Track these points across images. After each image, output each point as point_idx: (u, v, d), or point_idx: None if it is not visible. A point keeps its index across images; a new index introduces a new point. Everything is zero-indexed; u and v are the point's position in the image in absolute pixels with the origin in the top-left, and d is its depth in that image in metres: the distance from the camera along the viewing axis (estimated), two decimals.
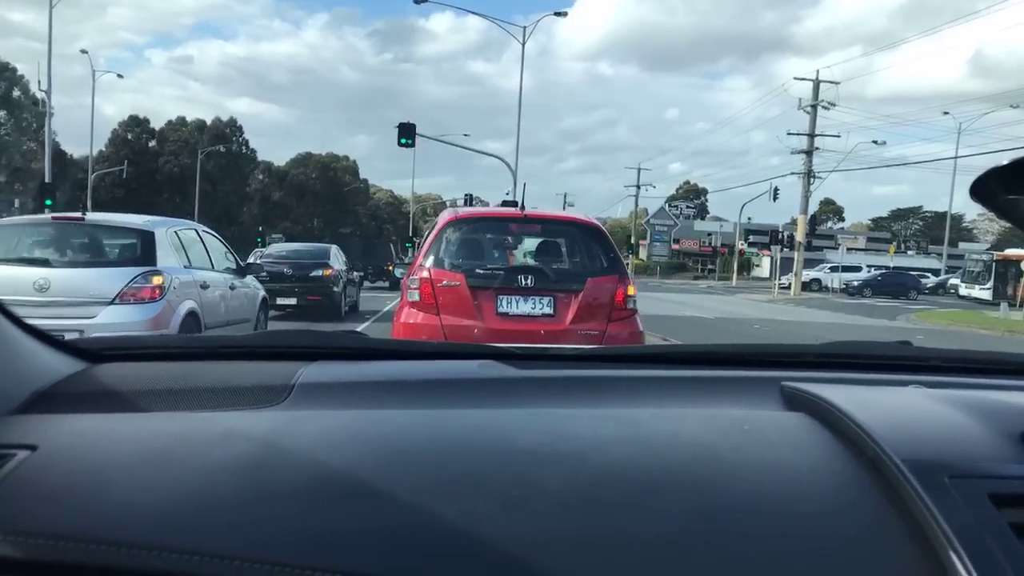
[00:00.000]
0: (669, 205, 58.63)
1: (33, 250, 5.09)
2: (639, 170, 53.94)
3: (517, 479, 0.61)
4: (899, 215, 66.27)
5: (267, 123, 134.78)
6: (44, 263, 4.93)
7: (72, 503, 0.60)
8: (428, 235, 4.47)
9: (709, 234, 52.41)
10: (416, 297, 3.95)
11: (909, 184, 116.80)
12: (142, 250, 5.12)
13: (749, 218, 45.10)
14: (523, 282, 4.01)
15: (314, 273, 11.22)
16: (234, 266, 6.56)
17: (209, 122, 64.48)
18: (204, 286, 5.58)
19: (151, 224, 5.45)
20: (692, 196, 64.38)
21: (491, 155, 24.56)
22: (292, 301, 10.79)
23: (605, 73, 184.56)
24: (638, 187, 53.67)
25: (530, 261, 4.62)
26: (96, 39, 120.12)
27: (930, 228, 61.24)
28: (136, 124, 60.87)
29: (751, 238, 46.64)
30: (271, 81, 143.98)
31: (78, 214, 5.35)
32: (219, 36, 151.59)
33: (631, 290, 4.10)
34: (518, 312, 3.98)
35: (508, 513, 0.57)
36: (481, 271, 4.12)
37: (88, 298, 4.78)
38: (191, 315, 5.24)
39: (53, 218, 5.60)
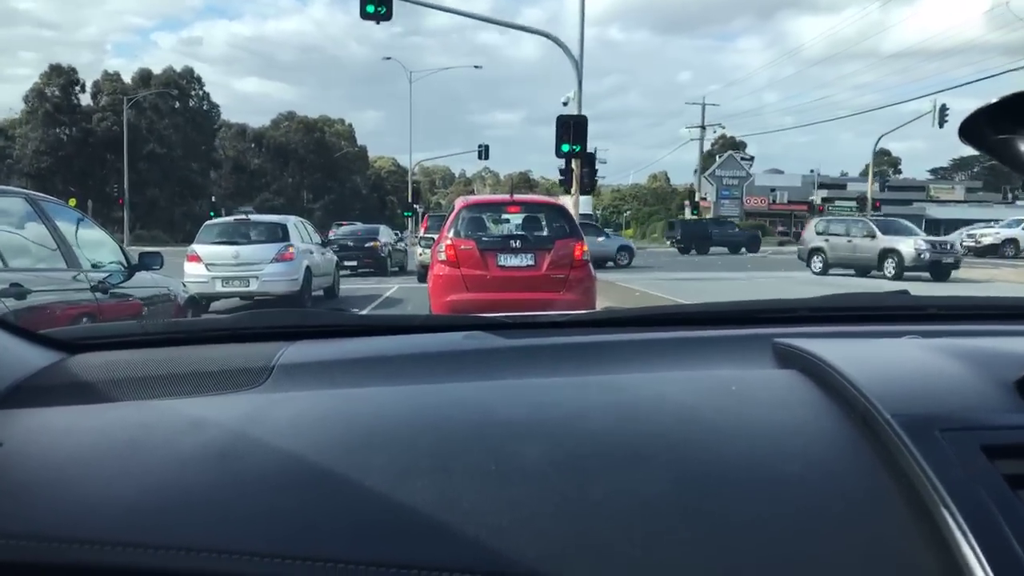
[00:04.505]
0: (721, 155, 61.04)
1: (230, 236, 13.78)
2: (703, 105, 56.04)
3: (494, 453, 0.77)
4: (962, 164, 72.13)
5: (276, 102, 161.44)
6: (235, 243, 13.52)
7: (35, 500, 0.76)
8: (449, 215, 9.53)
9: (772, 190, 57.74)
10: (444, 257, 8.66)
11: (923, 140, 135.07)
12: (282, 233, 13.74)
13: (812, 170, 51.45)
14: (513, 244, 8.72)
15: (367, 245, 22.88)
16: (321, 242, 15.51)
17: (159, 72, 66.26)
18: (310, 252, 14.31)
19: (284, 219, 14.28)
20: (732, 150, 67.74)
21: (535, 31, 19.12)
22: (354, 263, 21.95)
23: (616, 38, 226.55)
24: (703, 128, 56.24)
25: (517, 231, 9.61)
26: (104, 24, 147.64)
27: (995, 177, 66.89)
28: (59, 74, 60.47)
29: (824, 192, 53.24)
30: (279, 60, 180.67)
31: (244, 217, 14.29)
32: (225, 16, 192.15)
33: (585, 247, 8.85)
34: (511, 264, 8.59)
35: (484, 488, 0.72)
36: (486, 238, 8.87)
37: (259, 260, 13.37)
38: (308, 268, 13.84)
39: (235, 219, 14.47)
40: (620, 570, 0.66)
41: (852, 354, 0.89)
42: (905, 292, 1.50)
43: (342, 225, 30.22)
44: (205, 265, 13.22)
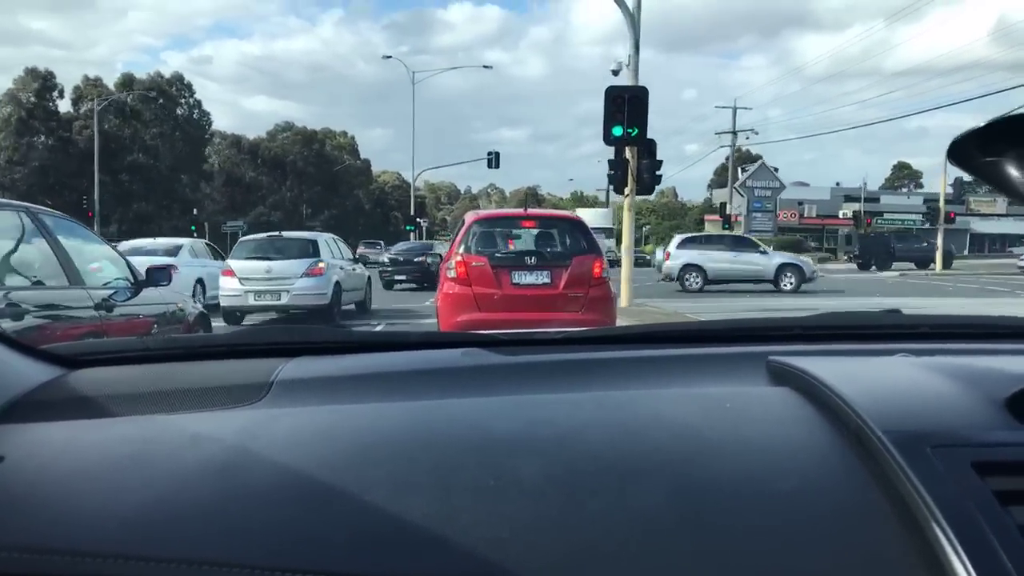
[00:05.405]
0: (742, 169, 58.65)
1: (263, 252, 14.55)
2: (735, 109, 53.80)
3: (492, 469, 0.82)
4: None
5: (284, 120, 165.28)
6: (268, 258, 14.29)
7: (37, 514, 0.80)
8: (459, 231, 9.45)
9: (800, 203, 57.66)
10: (454, 275, 8.71)
11: (928, 156, 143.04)
12: (312, 249, 14.53)
13: (838, 182, 51.46)
14: (528, 261, 8.81)
15: (416, 260, 26.00)
16: (352, 257, 16.48)
17: (144, 77, 64.07)
18: (341, 268, 15.05)
19: (315, 235, 15.31)
20: (747, 163, 65.00)
21: None
22: (404, 278, 25.59)
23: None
24: (734, 133, 54.25)
25: (532, 246, 9.49)
26: (114, 44, 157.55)
27: None
28: (36, 79, 58.57)
29: (855, 206, 53.36)
30: (287, 78, 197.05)
31: (278, 232, 15.34)
32: (235, 35, 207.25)
33: (604, 264, 8.98)
34: (526, 282, 8.69)
35: (481, 504, 0.77)
36: (499, 255, 8.98)
37: (290, 275, 14.10)
38: (337, 283, 14.57)
39: (268, 236, 15.43)
40: None
41: (845, 372, 0.96)
42: (897, 311, 1.62)
43: (376, 244, 32.00)
44: (239, 279, 14.16)
